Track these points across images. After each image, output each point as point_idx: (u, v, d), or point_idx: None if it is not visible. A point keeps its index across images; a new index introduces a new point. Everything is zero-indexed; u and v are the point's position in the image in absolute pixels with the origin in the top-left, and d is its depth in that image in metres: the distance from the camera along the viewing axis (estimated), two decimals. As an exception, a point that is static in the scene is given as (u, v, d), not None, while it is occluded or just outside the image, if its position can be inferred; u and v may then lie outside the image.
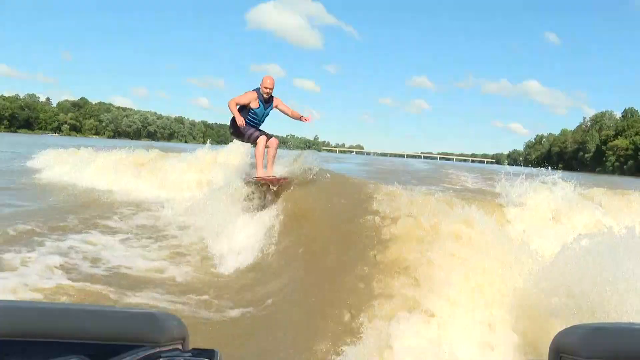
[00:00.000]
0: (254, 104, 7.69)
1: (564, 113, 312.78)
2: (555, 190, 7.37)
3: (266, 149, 7.94)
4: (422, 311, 3.56)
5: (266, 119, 8.13)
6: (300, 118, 8.06)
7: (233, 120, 7.74)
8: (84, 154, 17.72)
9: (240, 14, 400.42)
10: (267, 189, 7.67)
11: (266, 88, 7.68)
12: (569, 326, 0.94)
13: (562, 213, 7.13)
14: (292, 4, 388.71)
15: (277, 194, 7.64)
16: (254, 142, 7.86)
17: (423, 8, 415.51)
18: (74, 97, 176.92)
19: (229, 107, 7.59)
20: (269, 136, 8.00)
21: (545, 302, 3.26)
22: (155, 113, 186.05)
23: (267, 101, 7.84)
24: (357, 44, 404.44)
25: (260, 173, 7.74)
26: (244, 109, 7.68)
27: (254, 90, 7.78)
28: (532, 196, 7.20)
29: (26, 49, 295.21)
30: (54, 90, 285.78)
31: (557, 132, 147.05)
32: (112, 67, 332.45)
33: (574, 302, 3.05)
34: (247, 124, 7.68)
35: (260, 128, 8.02)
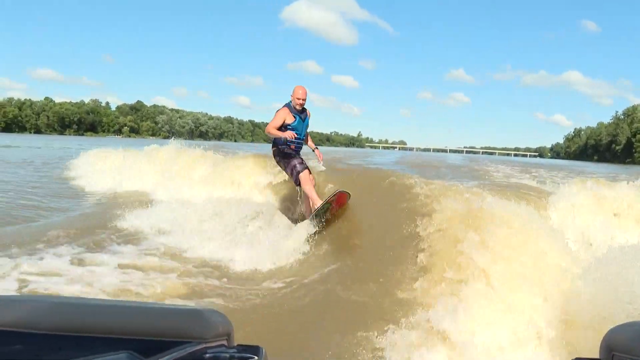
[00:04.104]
0: (289, 119, 6.85)
1: (610, 103, 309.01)
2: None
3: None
4: (467, 305, 3.54)
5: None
6: (314, 150, 7.45)
7: (275, 146, 7.11)
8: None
9: (274, 14, 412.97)
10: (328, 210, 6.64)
11: (298, 99, 6.87)
12: (622, 323, 0.89)
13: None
14: (324, 0, 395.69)
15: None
16: (296, 177, 6.86)
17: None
18: (118, 99, 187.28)
19: (270, 133, 6.85)
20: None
21: (596, 298, 3.15)
22: (207, 114, 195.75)
23: (302, 112, 7.01)
24: (391, 39, 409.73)
25: (317, 203, 6.59)
26: (279, 128, 6.87)
27: (284, 106, 6.97)
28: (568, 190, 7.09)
29: (69, 53, 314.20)
30: (99, 92, 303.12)
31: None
32: (152, 68, 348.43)
33: (626, 298, 2.94)
34: (290, 147, 6.95)
35: (301, 155, 7.14)
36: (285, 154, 7.03)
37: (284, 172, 7.32)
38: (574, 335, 3.24)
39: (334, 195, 6.43)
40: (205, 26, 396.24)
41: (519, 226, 4.11)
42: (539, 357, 3.29)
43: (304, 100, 6.97)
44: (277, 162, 7.28)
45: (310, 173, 6.96)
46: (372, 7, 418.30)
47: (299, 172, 6.82)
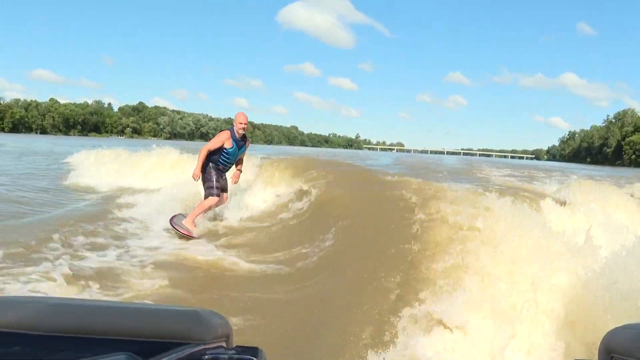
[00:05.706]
0: (227, 144, 7.52)
1: (606, 105, 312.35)
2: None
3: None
4: (465, 306, 3.44)
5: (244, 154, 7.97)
6: (237, 168, 7.99)
7: (205, 164, 7.60)
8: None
9: (270, 16, 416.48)
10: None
11: (241, 124, 7.53)
12: (620, 325, 0.90)
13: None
14: (320, 2, 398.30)
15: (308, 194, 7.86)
16: (207, 195, 7.55)
17: (450, 2, 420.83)
18: (117, 101, 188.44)
19: (200, 154, 7.50)
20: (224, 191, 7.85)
21: (595, 299, 3.10)
22: (207, 115, 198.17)
23: (242, 139, 7.69)
24: (389, 41, 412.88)
25: (188, 223, 7.26)
26: (217, 150, 7.56)
27: (227, 129, 7.66)
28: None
29: (68, 54, 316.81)
30: (97, 94, 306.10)
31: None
32: (151, 69, 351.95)
33: (628, 299, 2.90)
34: (218, 167, 7.62)
35: (225, 176, 7.82)
36: (213, 171, 7.59)
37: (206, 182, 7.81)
38: (574, 335, 3.19)
39: (184, 232, 7.13)
40: (204, 27, 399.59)
41: (519, 224, 4.10)
42: (538, 358, 3.24)
43: (246, 125, 7.61)
44: (202, 171, 7.65)
45: (218, 198, 7.62)
46: (368, 10, 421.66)
47: (211, 194, 7.52)
